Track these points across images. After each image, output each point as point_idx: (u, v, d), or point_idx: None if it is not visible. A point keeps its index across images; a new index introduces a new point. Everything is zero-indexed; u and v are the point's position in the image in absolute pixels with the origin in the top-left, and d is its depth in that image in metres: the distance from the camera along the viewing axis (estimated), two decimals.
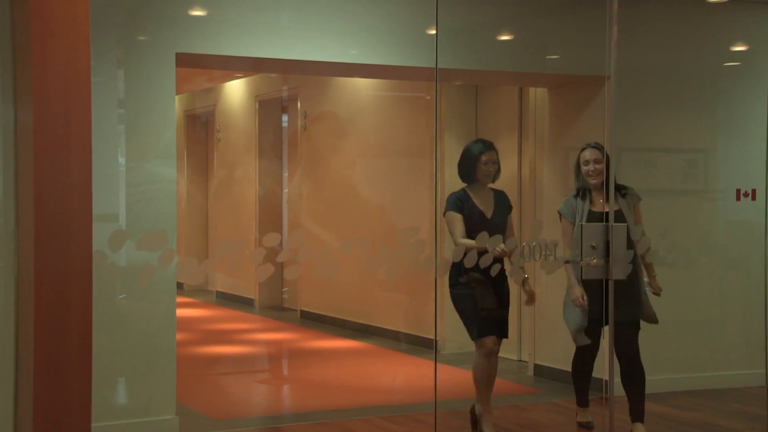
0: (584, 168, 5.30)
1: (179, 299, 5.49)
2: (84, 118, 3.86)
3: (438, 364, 5.54)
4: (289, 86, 9.70)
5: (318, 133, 9.51)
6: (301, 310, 9.71)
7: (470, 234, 5.20)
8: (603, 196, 5.20)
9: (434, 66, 5.44)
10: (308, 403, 6.41)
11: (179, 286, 5.52)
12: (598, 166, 5.25)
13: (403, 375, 7.40)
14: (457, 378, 6.43)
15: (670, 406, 6.11)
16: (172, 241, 5.23)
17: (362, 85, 8.86)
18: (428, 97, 7.95)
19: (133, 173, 5.27)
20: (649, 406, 5.42)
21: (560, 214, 5.39)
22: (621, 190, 5.25)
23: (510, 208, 5.46)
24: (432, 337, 5.65)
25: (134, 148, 5.28)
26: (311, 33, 5.60)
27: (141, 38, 5.32)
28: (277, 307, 10.18)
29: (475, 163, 5.31)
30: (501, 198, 5.41)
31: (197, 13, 5.43)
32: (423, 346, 7.76)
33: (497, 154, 5.39)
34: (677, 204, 6.54)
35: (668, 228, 6.24)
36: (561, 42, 6.24)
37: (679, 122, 6.50)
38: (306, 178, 9.68)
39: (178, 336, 5.47)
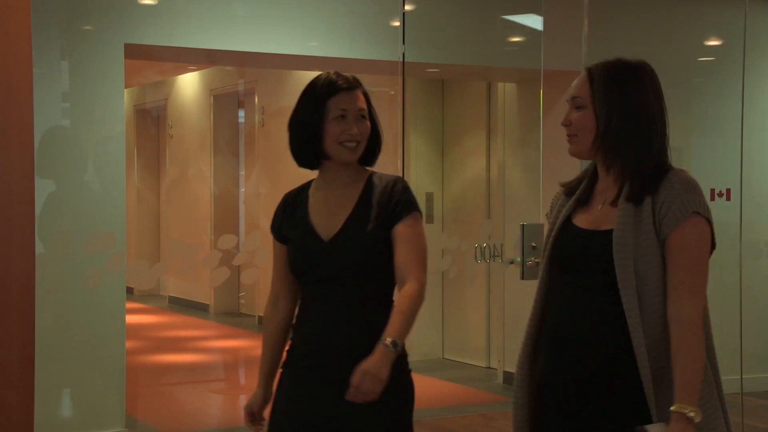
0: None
1: (129, 305, 5.41)
2: (25, 112, 3.80)
3: None
4: (245, 80, 9.57)
5: (276, 130, 9.36)
6: (258, 316, 9.55)
7: (297, 265, 2.69)
8: (603, 192, 2.46)
9: (398, 59, 5.30)
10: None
11: (129, 291, 5.61)
12: (574, 115, 2.46)
13: None
14: (423, 386, 6.30)
15: None
16: (121, 243, 5.15)
17: None
18: (392, 92, 7.79)
19: None
20: None
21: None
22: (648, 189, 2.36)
23: (395, 208, 2.59)
24: None
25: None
26: (268, 24, 5.50)
27: (87, 28, 5.20)
28: (233, 313, 10.03)
29: (319, 116, 2.64)
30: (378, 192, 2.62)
31: (147, 1, 5.33)
32: None
33: (367, 98, 2.65)
34: None
35: None
36: (531, 35, 6.11)
37: None
38: (264, 176, 9.51)
39: (128, 344, 5.40)
